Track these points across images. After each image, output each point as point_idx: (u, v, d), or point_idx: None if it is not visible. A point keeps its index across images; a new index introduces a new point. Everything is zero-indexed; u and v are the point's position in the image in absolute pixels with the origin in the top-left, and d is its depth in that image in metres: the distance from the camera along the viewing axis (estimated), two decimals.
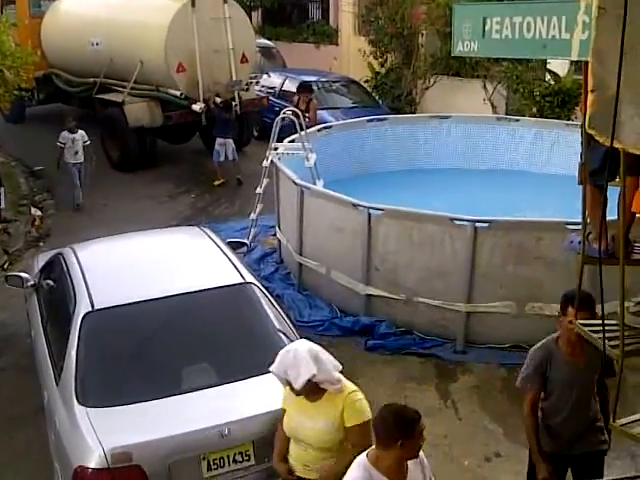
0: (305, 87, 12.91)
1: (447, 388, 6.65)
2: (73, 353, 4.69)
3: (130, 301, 5.01)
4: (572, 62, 13.81)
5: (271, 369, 3.90)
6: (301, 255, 8.35)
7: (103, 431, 4.22)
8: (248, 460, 4.37)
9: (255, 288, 5.32)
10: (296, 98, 12.22)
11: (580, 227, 3.54)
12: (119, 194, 11.83)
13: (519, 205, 9.24)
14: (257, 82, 15.14)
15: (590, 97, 2.52)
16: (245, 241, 7.66)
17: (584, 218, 3.38)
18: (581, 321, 3.35)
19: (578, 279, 3.43)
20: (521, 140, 11.18)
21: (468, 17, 3.54)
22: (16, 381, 6.51)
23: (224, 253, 5.77)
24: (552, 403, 4.34)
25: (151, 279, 5.41)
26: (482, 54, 3.63)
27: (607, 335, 3.12)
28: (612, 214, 3.31)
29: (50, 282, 5.94)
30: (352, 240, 7.60)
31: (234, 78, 13.31)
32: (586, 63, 2.87)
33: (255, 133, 15.03)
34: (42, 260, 6.76)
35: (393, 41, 17.02)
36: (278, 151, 9.17)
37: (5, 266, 9.31)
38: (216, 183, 12.70)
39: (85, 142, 11.41)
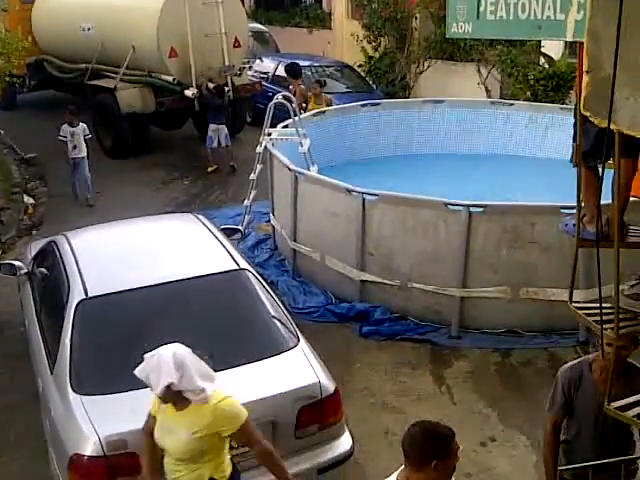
0: (288, 70, 12.69)
1: (442, 373, 6.66)
2: (67, 341, 4.66)
3: (124, 288, 4.98)
4: (566, 45, 13.79)
5: (135, 372, 3.69)
6: (295, 241, 8.34)
7: (98, 419, 4.20)
8: (243, 446, 4.35)
9: (249, 275, 5.30)
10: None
11: (575, 211, 3.53)
12: (112, 181, 11.77)
13: (513, 189, 9.22)
14: (250, 67, 15.06)
15: (585, 78, 2.50)
16: (239, 228, 7.62)
17: (578, 200, 3.37)
18: (576, 304, 3.33)
19: (573, 262, 3.41)
20: (515, 124, 11.16)
21: None
22: (10, 370, 6.49)
23: (218, 240, 5.74)
24: (574, 435, 3.93)
25: (145, 266, 5.38)
26: (476, 35, 3.60)
27: (603, 318, 3.12)
28: (607, 196, 3.30)
29: (43, 270, 5.91)
30: (346, 226, 7.58)
31: (227, 63, 13.23)
32: (581, 44, 2.84)
33: (248, 119, 14.98)
34: (35, 248, 6.72)
35: (387, 25, 16.94)
36: (272, 137, 9.12)
37: None
38: (209, 169, 12.66)
39: (86, 135, 11.01)
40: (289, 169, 8.24)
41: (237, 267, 5.30)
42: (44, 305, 5.68)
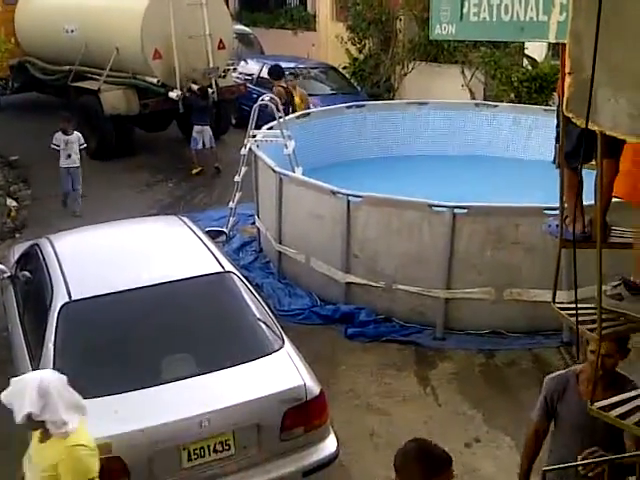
0: (271, 72, 12.46)
1: (426, 374, 6.66)
2: (50, 345, 4.63)
3: (108, 291, 4.96)
4: (549, 47, 13.87)
5: (1, 396, 3.48)
6: (280, 243, 8.32)
7: None
8: (228, 450, 4.35)
9: (234, 277, 5.29)
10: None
11: (558, 212, 3.55)
12: (96, 183, 11.69)
13: (497, 191, 9.25)
14: (234, 69, 15.03)
15: (567, 79, 2.50)
16: (224, 230, 7.61)
17: (562, 201, 3.38)
18: (559, 305, 3.35)
19: (556, 263, 3.43)
20: (499, 126, 11.22)
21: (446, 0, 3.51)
22: None
23: (203, 242, 5.73)
24: (559, 447, 3.76)
25: (129, 269, 5.35)
26: (460, 37, 3.60)
27: (585, 319, 3.13)
28: (589, 197, 3.31)
29: (26, 273, 5.86)
30: (331, 228, 7.58)
31: (211, 65, 13.21)
32: (563, 45, 2.85)
33: (233, 121, 14.95)
34: (18, 251, 6.67)
35: (371, 27, 16.98)
36: (256, 138, 9.11)
37: None
38: (194, 171, 12.63)
39: (81, 145, 10.60)
40: (274, 171, 8.23)
41: (222, 269, 5.29)
42: (27, 309, 5.64)
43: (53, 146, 10.48)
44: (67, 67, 14.18)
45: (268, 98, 9.44)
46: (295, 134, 9.46)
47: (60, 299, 4.89)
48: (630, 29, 2.33)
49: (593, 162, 3.02)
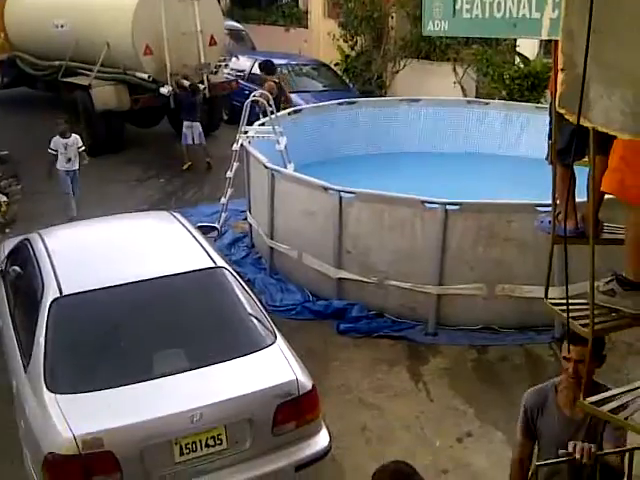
0: (262, 68, 12.37)
1: (418, 370, 6.68)
2: (41, 340, 4.61)
3: (99, 286, 4.94)
4: (541, 45, 13.92)
5: None
6: (272, 239, 8.32)
7: (73, 418, 4.16)
8: (220, 444, 4.35)
9: (226, 272, 5.28)
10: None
11: (550, 208, 3.56)
12: (87, 179, 11.60)
13: (489, 188, 9.28)
14: (226, 65, 15.02)
15: (560, 76, 2.51)
16: (216, 225, 7.61)
17: (554, 198, 3.39)
18: (551, 300, 3.36)
19: (549, 259, 3.44)
20: (491, 123, 11.25)
21: None
22: None
23: (194, 237, 5.72)
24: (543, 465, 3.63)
25: (121, 264, 5.33)
26: (452, 33, 3.60)
27: (577, 314, 3.15)
28: (581, 194, 3.33)
29: (17, 268, 5.83)
30: (323, 224, 7.59)
31: (202, 61, 13.18)
32: (556, 42, 2.86)
33: (225, 117, 14.93)
34: (8, 246, 6.64)
35: (363, 24, 17.00)
36: (248, 134, 9.10)
37: None
38: (184, 167, 12.61)
39: (80, 147, 10.22)
40: (266, 167, 8.22)
41: (214, 265, 5.29)
42: (18, 304, 5.62)
43: (51, 151, 10.08)
44: (57, 62, 14.13)
45: (259, 94, 9.43)
46: (287, 130, 9.45)
47: (51, 294, 4.87)
48: (622, 26, 2.34)
49: (585, 159, 3.03)
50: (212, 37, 13.49)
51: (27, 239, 5.98)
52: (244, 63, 15.85)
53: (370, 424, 5.87)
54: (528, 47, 14.13)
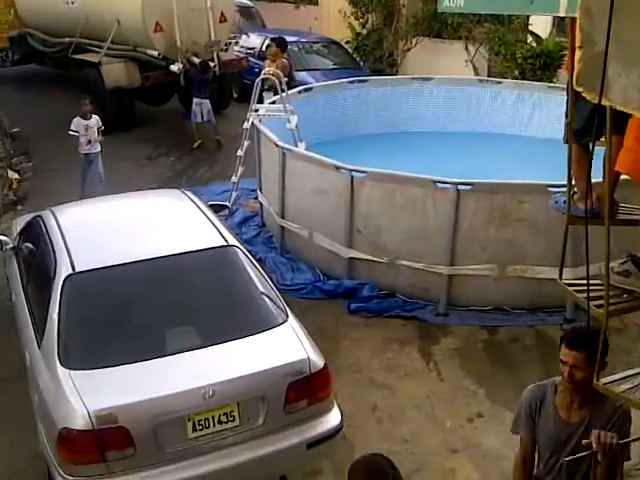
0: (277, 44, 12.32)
1: (429, 350, 6.69)
2: (55, 316, 4.63)
3: (112, 263, 4.95)
4: (554, 24, 13.77)
5: None
6: (283, 218, 8.31)
7: (87, 393, 4.19)
8: (233, 421, 4.38)
9: (238, 251, 5.28)
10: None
11: (564, 188, 3.54)
12: None
13: (501, 167, 9.23)
14: (236, 42, 14.92)
15: (577, 54, 2.48)
16: (227, 204, 7.60)
17: (569, 178, 3.37)
18: (567, 280, 3.35)
19: (563, 239, 3.42)
20: (503, 102, 11.16)
21: None
22: None
23: (206, 216, 5.72)
24: (541, 463, 3.58)
25: (133, 241, 5.35)
26: (468, 10, 3.59)
27: (592, 295, 3.13)
28: (597, 174, 3.30)
29: (30, 245, 5.86)
30: (335, 203, 7.57)
31: (213, 38, 13.11)
32: (572, 20, 2.83)
33: (235, 95, 14.87)
34: (21, 223, 6.67)
35: (374, 1, 16.84)
36: (259, 113, 9.06)
37: None
38: (194, 145, 12.58)
39: (100, 128, 9.98)
40: (276, 145, 8.19)
41: (226, 243, 5.29)
42: (31, 280, 5.65)
43: (72, 132, 9.83)
44: (67, 39, 14.07)
45: (271, 71, 9.38)
46: (298, 109, 9.40)
47: (64, 271, 4.89)
48: None
49: (603, 139, 3.00)
50: (222, 14, 13.40)
51: (39, 216, 5.99)
52: (254, 40, 15.75)
53: (381, 403, 5.90)
54: (541, 26, 13.98)
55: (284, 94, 9.13)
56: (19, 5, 15.38)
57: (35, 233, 5.88)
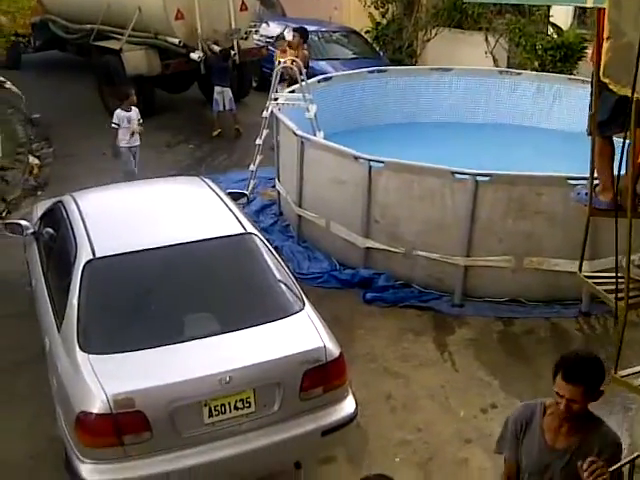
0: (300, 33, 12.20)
1: (444, 340, 6.70)
2: (75, 301, 4.68)
3: (131, 249, 4.99)
4: (575, 16, 13.65)
5: None
6: (300, 207, 8.33)
7: (105, 377, 4.24)
8: (249, 407, 4.41)
9: (256, 238, 5.31)
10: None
11: (583, 180, 3.53)
12: None
13: (520, 159, 9.19)
14: (256, 31, 14.92)
15: (605, 45, 2.48)
16: (245, 192, 7.63)
17: (592, 170, 3.36)
18: (586, 273, 3.34)
19: (585, 232, 3.42)
20: (523, 94, 11.09)
21: None
22: (17, 328, 6.52)
23: (225, 203, 5.74)
24: None
25: (152, 228, 5.38)
26: (491, 0, 3.55)
27: (610, 288, 3.14)
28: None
29: (50, 230, 5.91)
30: (352, 193, 7.57)
31: (233, 26, 13.11)
32: (599, 12, 2.82)
33: (254, 83, 14.87)
34: (41, 208, 6.72)
35: None
36: (278, 102, 9.07)
37: (3, 214, 9.27)
38: (214, 133, 12.61)
39: (139, 120, 9.75)
40: (295, 134, 8.20)
41: (244, 231, 5.31)
42: (51, 265, 5.70)
43: (114, 125, 9.57)
44: (89, 26, 14.11)
45: (290, 61, 9.38)
46: (317, 98, 9.40)
47: (84, 256, 4.93)
48: None
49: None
50: (243, 2, 13.40)
51: (60, 201, 6.04)
52: (274, 29, 15.72)
53: (395, 393, 5.92)
54: (561, 17, 13.87)
55: (304, 83, 9.13)
56: None
57: (56, 218, 5.93)
